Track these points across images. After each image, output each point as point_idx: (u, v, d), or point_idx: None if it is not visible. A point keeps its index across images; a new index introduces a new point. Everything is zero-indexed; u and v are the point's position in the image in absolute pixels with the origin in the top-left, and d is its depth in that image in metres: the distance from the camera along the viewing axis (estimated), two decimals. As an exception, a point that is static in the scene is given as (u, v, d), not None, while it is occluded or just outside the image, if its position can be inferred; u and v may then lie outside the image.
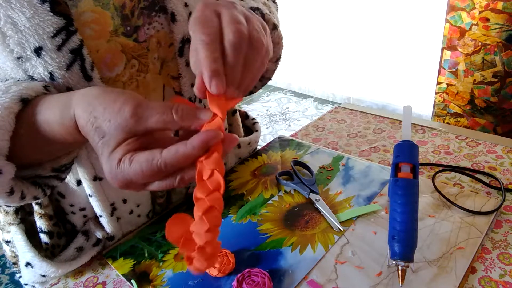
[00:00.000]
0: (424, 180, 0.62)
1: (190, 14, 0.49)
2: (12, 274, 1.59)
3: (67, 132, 0.37)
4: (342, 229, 0.53)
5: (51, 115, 0.38)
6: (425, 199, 0.57)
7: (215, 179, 0.34)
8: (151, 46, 0.49)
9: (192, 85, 0.53)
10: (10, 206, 0.52)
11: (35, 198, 0.43)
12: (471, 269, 0.46)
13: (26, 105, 0.39)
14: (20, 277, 0.57)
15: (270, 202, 0.61)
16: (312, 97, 3.19)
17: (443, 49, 1.75)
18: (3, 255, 1.65)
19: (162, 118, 0.33)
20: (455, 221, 0.53)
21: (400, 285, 0.43)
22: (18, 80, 0.40)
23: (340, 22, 2.74)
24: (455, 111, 1.83)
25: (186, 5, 0.49)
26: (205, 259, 0.37)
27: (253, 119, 0.79)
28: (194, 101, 0.55)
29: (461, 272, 0.45)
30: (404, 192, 0.46)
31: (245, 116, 0.79)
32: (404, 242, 0.43)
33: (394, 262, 0.44)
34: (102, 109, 0.34)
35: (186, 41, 0.50)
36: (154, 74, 0.51)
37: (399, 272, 0.43)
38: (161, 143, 0.35)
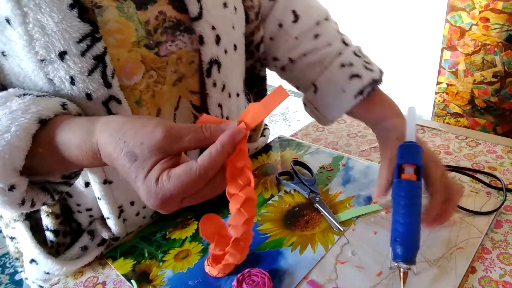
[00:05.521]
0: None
1: (217, 36, 0.51)
2: (12, 274, 1.59)
3: (84, 156, 0.38)
4: (342, 229, 0.53)
5: (72, 138, 0.39)
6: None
7: (246, 176, 0.37)
8: (170, 60, 0.50)
9: (219, 105, 0.55)
10: None
11: (44, 204, 0.44)
12: (471, 269, 0.46)
13: (45, 125, 0.39)
14: (22, 271, 0.58)
15: (270, 202, 0.61)
16: (312, 97, 3.18)
17: (443, 49, 1.75)
18: (3, 255, 1.65)
19: (195, 136, 0.35)
20: (455, 221, 0.52)
21: (402, 287, 0.43)
22: (37, 96, 0.41)
23: (340, 22, 2.73)
24: (455, 111, 1.83)
25: (213, 28, 0.50)
26: (239, 251, 0.41)
27: (265, 124, 0.79)
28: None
29: (461, 272, 0.45)
30: (407, 194, 0.45)
31: None
32: (406, 244, 0.43)
33: (396, 265, 0.43)
34: (132, 133, 0.35)
35: (214, 62, 0.52)
36: (170, 86, 0.52)
37: (401, 274, 0.43)
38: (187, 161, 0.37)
